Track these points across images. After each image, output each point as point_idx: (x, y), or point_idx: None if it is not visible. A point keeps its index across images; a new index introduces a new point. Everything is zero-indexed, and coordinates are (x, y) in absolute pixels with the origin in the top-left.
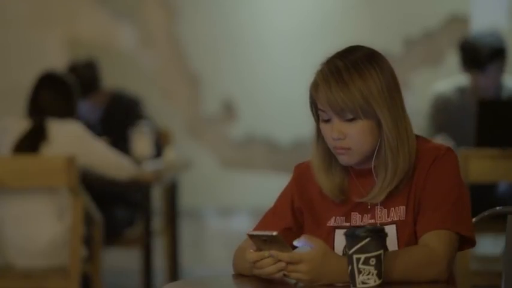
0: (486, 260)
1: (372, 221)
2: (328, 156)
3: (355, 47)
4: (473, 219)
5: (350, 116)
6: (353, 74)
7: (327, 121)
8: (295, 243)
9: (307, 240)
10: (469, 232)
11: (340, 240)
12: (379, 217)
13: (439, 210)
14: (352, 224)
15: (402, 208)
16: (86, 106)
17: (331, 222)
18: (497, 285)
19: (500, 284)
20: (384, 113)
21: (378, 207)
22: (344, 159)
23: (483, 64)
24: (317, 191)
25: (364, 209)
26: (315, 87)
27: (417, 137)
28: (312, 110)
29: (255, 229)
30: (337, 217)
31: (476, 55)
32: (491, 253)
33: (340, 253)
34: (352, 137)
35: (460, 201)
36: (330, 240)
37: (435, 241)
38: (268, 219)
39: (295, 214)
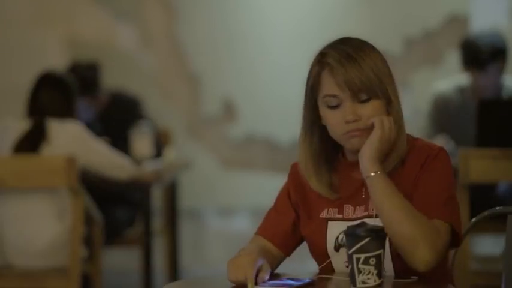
0: (486, 260)
1: (365, 213)
2: (317, 154)
3: (348, 37)
4: (473, 219)
5: (364, 97)
6: (362, 55)
7: (335, 107)
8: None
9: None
10: (458, 229)
11: (332, 232)
12: (372, 209)
13: (434, 203)
14: (344, 216)
15: None
16: (86, 106)
17: (324, 214)
18: (497, 285)
19: (500, 284)
20: (393, 90)
21: (370, 199)
22: (357, 142)
23: (484, 64)
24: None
25: (357, 201)
26: (328, 70)
27: (410, 135)
28: (309, 103)
29: (260, 229)
30: (330, 209)
31: (477, 54)
32: (491, 253)
33: (332, 244)
34: (368, 117)
35: (451, 200)
36: (322, 232)
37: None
38: (271, 218)
39: (294, 208)
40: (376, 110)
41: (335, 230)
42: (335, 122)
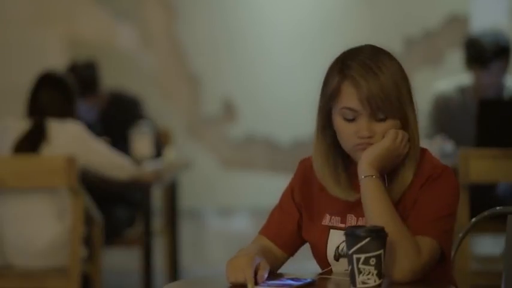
0: (486, 260)
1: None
2: (332, 154)
3: (368, 45)
4: (473, 219)
5: (382, 116)
6: (384, 70)
7: (351, 121)
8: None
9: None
10: (446, 249)
11: (333, 240)
12: None
13: (424, 220)
14: (347, 226)
15: None
16: (86, 106)
17: (326, 221)
18: (497, 285)
19: (500, 284)
20: (410, 111)
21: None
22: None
23: (487, 61)
24: (318, 188)
25: (360, 212)
26: (351, 84)
27: (423, 149)
28: (323, 109)
29: (264, 228)
30: (333, 217)
31: (481, 52)
32: (491, 253)
33: (333, 252)
34: (381, 135)
35: (444, 219)
36: (323, 240)
37: (419, 243)
38: (276, 217)
39: (298, 208)
40: (390, 129)
41: (336, 239)
42: (347, 134)
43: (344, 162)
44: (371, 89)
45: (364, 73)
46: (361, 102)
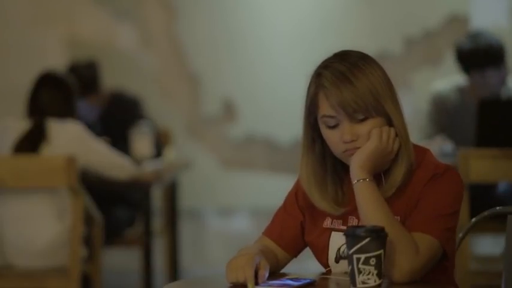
0: (486, 260)
1: None
2: (320, 169)
3: (346, 51)
4: (473, 219)
5: (361, 117)
6: (357, 74)
7: (333, 127)
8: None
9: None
10: (448, 247)
11: (335, 242)
12: None
13: (427, 216)
14: None
15: (397, 218)
16: (86, 106)
17: (328, 224)
18: (497, 285)
19: (500, 284)
20: (391, 108)
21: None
22: None
23: (482, 68)
24: None
25: None
26: (323, 92)
27: (424, 149)
28: (307, 121)
29: (267, 229)
30: (334, 219)
31: (475, 61)
32: (491, 253)
33: (334, 254)
34: (365, 136)
35: (445, 217)
36: (324, 242)
37: (418, 242)
38: (279, 219)
39: (301, 210)
40: (374, 128)
41: (338, 241)
42: (334, 141)
43: (334, 174)
44: (342, 94)
45: (334, 80)
46: (335, 108)
